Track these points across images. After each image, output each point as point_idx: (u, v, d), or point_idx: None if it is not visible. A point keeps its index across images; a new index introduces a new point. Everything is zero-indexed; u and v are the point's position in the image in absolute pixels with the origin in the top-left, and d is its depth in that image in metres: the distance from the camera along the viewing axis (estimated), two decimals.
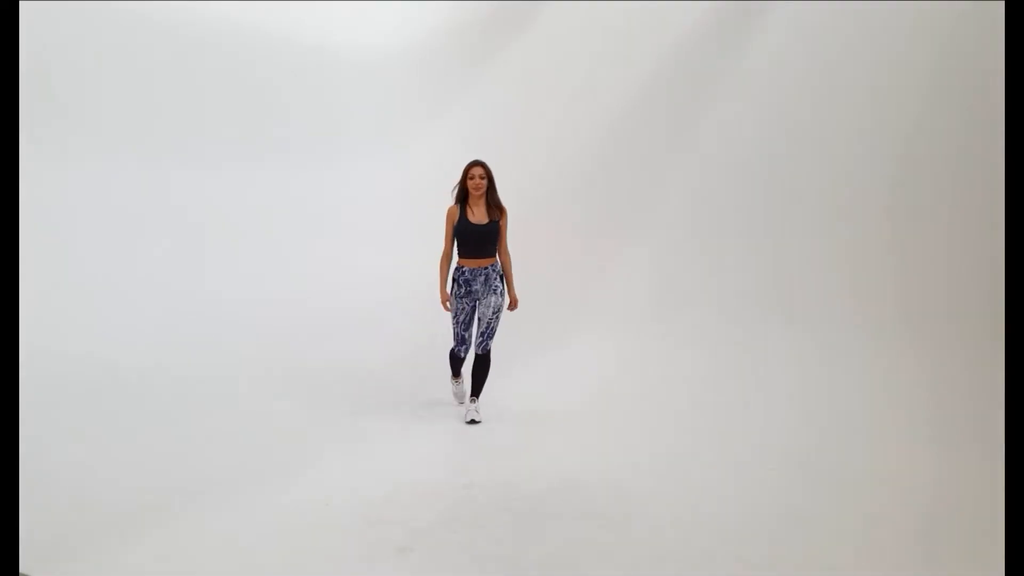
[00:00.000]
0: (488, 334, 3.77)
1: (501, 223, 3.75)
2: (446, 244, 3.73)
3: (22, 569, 2.14)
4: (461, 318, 3.76)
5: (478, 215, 3.68)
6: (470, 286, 3.69)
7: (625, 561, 2.30)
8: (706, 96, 4.82)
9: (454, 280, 3.74)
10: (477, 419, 3.71)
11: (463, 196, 3.69)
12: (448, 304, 3.73)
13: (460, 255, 3.73)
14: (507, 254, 3.83)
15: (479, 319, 3.76)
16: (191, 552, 2.38)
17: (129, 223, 3.82)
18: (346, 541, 2.46)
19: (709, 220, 4.94)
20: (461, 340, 3.80)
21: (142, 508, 2.69)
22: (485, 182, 3.66)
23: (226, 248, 4.00)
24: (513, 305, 3.87)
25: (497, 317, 3.78)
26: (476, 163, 3.68)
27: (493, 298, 3.72)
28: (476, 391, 3.80)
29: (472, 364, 3.80)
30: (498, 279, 3.76)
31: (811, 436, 3.56)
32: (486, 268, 3.70)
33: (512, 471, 2.95)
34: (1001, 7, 3.72)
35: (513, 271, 3.85)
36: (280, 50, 4.14)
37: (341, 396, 3.96)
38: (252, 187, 4.11)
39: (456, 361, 3.89)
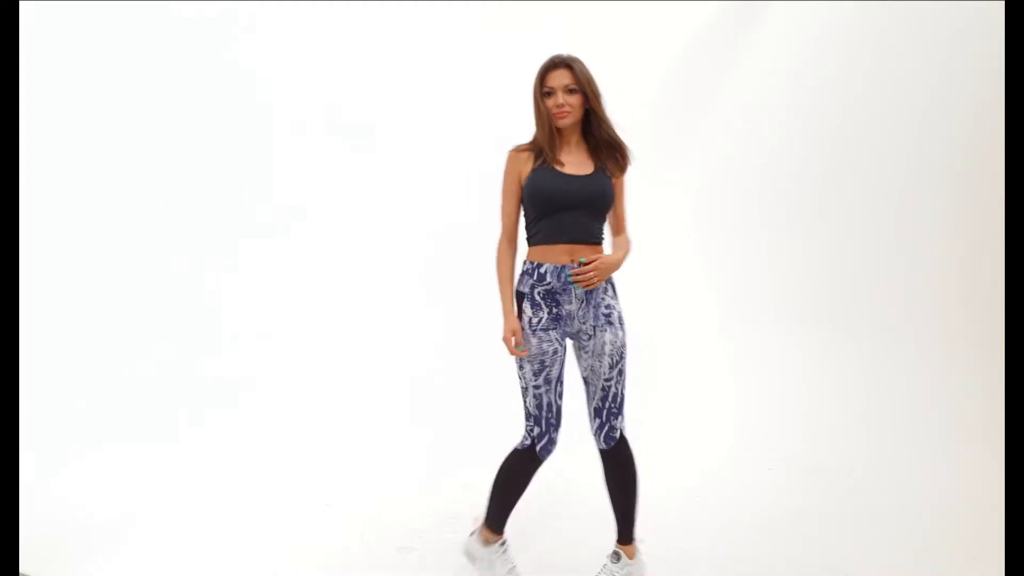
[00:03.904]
0: (616, 404, 2.01)
1: (617, 180, 2.00)
2: (505, 223, 2.00)
3: (22, 569, 2.14)
4: (546, 372, 1.94)
5: (573, 162, 1.94)
6: (558, 304, 1.94)
7: None
8: (710, 97, 4.81)
9: (524, 295, 1.96)
10: None
11: (548, 133, 1.92)
12: (517, 343, 1.93)
13: (538, 240, 1.95)
14: (624, 234, 2.11)
15: (589, 375, 2.01)
16: (192, 553, 2.38)
17: (131, 224, 3.81)
18: (346, 541, 2.46)
19: (709, 220, 4.93)
20: (548, 421, 1.98)
21: (143, 509, 2.69)
22: (578, 99, 1.90)
23: (230, 249, 3.99)
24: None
25: (621, 370, 1.99)
26: (558, 62, 1.90)
27: (609, 332, 1.95)
28: (625, 532, 2.08)
29: (606, 475, 2.08)
30: (611, 290, 2.00)
31: (809, 436, 3.56)
32: (565, 267, 1.92)
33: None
34: (1001, 7, 3.72)
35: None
36: (289, 50, 4.14)
37: (342, 397, 3.95)
38: (260, 188, 4.10)
39: (520, 473, 2.06)
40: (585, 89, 1.89)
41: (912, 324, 4.21)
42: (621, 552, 2.08)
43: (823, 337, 4.36)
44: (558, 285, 1.92)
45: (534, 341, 1.93)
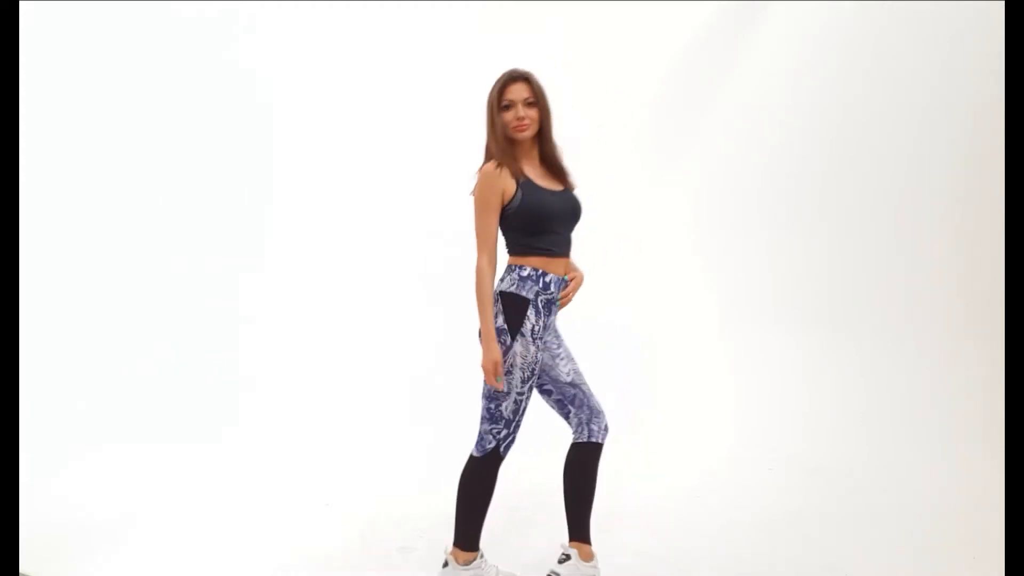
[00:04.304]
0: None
1: None
2: (488, 242, 1.90)
3: (22, 569, 2.14)
4: (532, 380, 1.96)
5: (538, 177, 1.96)
6: (550, 313, 1.98)
7: (623, 562, 2.30)
8: (710, 97, 4.81)
9: (528, 301, 1.92)
10: None
11: (508, 148, 1.92)
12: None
13: (539, 252, 1.95)
14: None
15: (575, 378, 2.08)
16: (192, 553, 2.38)
17: (131, 224, 3.81)
18: (346, 541, 2.46)
19: (709, 220, 4.93)
20: (519, 424, 1.97)
21: (143, 509, 2.69)
22: (536, 113, 1.93)
23: (230, 248, 3.99)
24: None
25: None
26: (516, 76, 1.94)
27: (564, 341, 2.13)
28: (581, 528, 2.10)
29: (568, 468, 2.10)
30: None
31: (809, 436, 3.56)
32: (563, 280, 2.01)
33: (512, 469, 2.95)
34: (1001, 7, 3.72)
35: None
36: (289, 50, 4.13)
37: (342, 397, 3.95)
38: (260, 188, 4.10)
39: (488, 478, 2.00)
40: (543, 109, 1.95)
41: (912, 324, 4.21)
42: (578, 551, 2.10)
43: (823, 337, 4.36)
44: (556, 296, 1.99)
45: (532, 349, 1.92)
